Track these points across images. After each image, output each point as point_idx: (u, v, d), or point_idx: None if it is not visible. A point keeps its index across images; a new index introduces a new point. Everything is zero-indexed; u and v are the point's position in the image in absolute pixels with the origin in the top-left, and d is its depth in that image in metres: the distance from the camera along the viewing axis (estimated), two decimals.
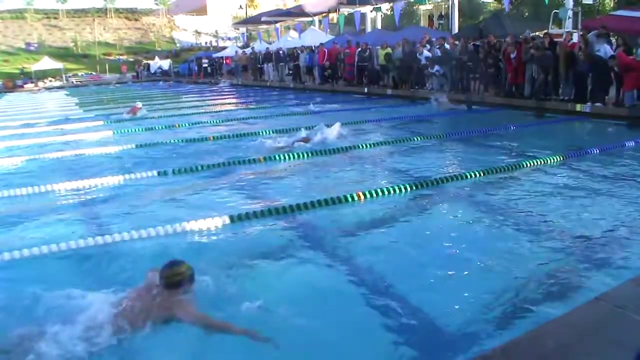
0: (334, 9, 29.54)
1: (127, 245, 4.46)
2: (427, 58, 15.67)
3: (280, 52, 25.25)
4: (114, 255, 4.30)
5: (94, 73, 52.22)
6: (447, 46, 15.44)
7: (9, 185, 6.67)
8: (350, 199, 5.51)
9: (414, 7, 37.99)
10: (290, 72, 23.94)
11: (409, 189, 5.89)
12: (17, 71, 48.11)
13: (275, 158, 7.85)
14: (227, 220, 4.91)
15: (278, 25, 35.86)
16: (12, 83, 39.96)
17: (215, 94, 24.29)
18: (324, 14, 30.44)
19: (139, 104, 15.27)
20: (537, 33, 14.77)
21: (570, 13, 16.62)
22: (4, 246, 4.45)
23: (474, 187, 6.16)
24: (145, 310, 3.07)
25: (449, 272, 3.80)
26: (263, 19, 37.47)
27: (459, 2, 24.25)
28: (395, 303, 3.37)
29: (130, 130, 11.81)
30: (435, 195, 5.90)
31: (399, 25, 25.75)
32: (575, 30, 13.80)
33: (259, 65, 27.02)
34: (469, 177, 6.36)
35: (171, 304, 3.12)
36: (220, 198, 6.09)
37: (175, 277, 3.17)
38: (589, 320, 2.64)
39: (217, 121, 13.24)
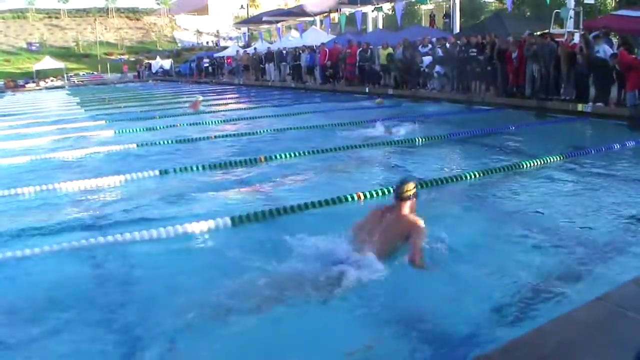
0: (335, 9, 29.55)
1: (126, 246, 4.47)
2: (428, 66, 15.66)
3: (284, 51, 25.23)
4: (114, 256, 4.31)
5: (95, 73, 52.37)
6: (447, 46, 15.43)
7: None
8: (350, 199, 5.50)
9: (416, 7, 37.97)
10: (291, 72, 23.93)
11: None
12: (19, 71, 48.26)
13: (275, 157, 7.86)
14: (229, 222, 4.91)
15: (279, 25, 35.87)
16: (14, 83, 40.14)
17: (217, 93, 24.31)
18: (325, 14, 30.46)
19: (200, 98, 15.48)
20: (538, 33, 14.76)
21: (571, 13, 16.59)
22: None
23: (473, 188, 6.15)
24: (386, 227, 3.93)
25: (448, 272, 3.80)
26: (264, 18, 37.50)
27: (460, 1, 24.22)
28: (394, 303, 3.37)
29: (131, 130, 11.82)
30: (433, 195, 5.88)
31: (401, 25, 25.75)
32: (576, 30, 13.79)
33: (261, 66, 27.01)
34: (468, 177, 6.34)
35: (407, 220, 3.96)
36: (220, 198, 6.10)
37: (406, 193, 4.09)
38: (589, 320, 2.63)
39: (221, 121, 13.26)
